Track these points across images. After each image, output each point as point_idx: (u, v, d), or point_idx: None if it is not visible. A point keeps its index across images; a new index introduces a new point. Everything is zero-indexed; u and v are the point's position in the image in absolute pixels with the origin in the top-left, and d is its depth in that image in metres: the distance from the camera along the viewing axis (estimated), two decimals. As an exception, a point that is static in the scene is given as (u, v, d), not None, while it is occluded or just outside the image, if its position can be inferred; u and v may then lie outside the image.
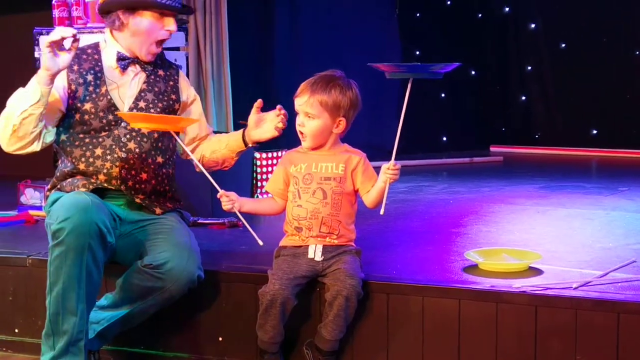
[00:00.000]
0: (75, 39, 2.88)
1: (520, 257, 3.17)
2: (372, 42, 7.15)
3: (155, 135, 3.15)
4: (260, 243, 2.89)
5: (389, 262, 3.27)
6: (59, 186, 3.12)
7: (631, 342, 2.66)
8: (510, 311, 2.80)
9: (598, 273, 2.99)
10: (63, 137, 3.11)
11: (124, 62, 3.13)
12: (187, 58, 5.62)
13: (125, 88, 3.14)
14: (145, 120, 2.94)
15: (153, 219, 3.13)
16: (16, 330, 3.39)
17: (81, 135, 3.09)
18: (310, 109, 2.92)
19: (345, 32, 7.02)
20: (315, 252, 2.92)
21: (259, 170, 4.69)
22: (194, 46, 5.81)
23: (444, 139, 7.71)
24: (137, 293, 2.97)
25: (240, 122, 3.34)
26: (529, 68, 7.70)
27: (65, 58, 2.89)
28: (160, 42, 3.14)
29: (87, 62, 3.11)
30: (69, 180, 3.10)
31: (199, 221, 4.03)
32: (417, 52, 7.54)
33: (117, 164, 3.08)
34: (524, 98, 7.76)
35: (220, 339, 3.16)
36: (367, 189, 2.97)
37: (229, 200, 2.94)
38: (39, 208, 4.31)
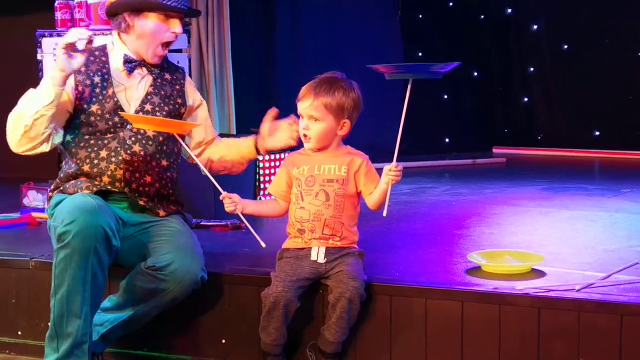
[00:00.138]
0: (90, 41, 2.88)
1: (523, 259, 3.17)
2: (374, 44, 7.15)
3: (160, 138, 3.15)
4: (263, 245, 2.89)
5: (392, 264, 3.27)
6: (61, 188, 3.12)
7: (634, 344, 2.66)
8: (513, 313, 2.80)
9: (601, 275, 2.99)
10: (68, 137, 3.12)
11: (131, 64, 3.13)
12: (189, 60, 5.62)
13: (132, 90, 3.15)
14: (148, 123, 2.94)
15: (156, 221, 3.13)
16: (19, 333, 3.39)
17: (86, 137, 3.10)
18: (315, 111, 2.92)
19: (347, 33, 7.02)
20: (318, 254, 2.92)
21: (261, 172, 4.69)
22: (196, 48, 5.81)
23: (447, 140, 7.70)
24: (141, 295, 2.97)
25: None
26: (531, 69, 7.69)
27: (79, 60, 2.90)
28: (166, 44, 3.15)
29: (95, 64, 3.12)
30: (72, 182, 3.10)
31: (202, 223, 4.03)
32: (420, 54, 7.53)
33: (122, 166, 3.08)
34: (526, 99, 7.75)
35: (224, 341, 3.16)
36: (370, 191, 2.96)
37: (231, 202, 2.94)
38: (42, 210, 4.30)
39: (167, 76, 3.22)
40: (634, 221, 4.14)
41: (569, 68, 7.44)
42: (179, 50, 4.75)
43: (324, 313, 2.95)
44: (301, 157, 3.03)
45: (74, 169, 3.11)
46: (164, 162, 3.18)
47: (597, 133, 7.40)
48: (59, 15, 4.79)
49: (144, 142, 3.13)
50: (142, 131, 3.11)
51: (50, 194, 3.18)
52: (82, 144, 3.10)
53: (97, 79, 3.09)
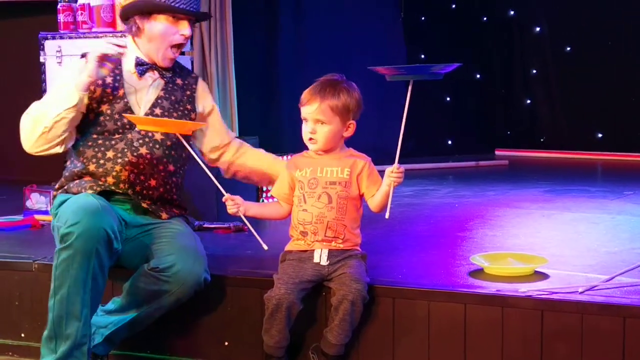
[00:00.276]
0: (120, 53, 2.98)
1: (525, 261, 3.17)
2: (377, 45, 7.15)
3: (169, 142, 3.15)
4: (266, 247, 2.89)
5: (395, 266, 3.27)
6: (66, 187, 3.13)
7: (637, 346, 2.66)
8: (516, 315, 2.80)
9: (604, 277, 2.98)
10: (77, 136, 3.13)
11: (142, 67, 3.15)
12: (192, 62, 5.63)
13: (142, 93, 3.16)
14: (151, 124, 2.95)
15: (158, 223, 3.14)
16: (22, 335, 3.39)
17: (94, 136, 3.11)
18: (322, 115, 2.92)
19: (350, 35, 7.02)
20: (320, 257, 2.92)
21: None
22: (198, 51, 5.82)
23: (449, 142, 7.70)
24: (144, 296, 2.98)
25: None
26: (534, 71, 7.69)
27: (108, 70, 2.99)
28: (176, 47, 3.17)
29: None
30: (77, 181, 3.11)
31: (205, 225, 4.03)
32: (422, 55, 7.53)
33: (127, 167, 3.09)
34: (529, 101, 7.74)
35: (226, 343, 3.16)
36: (372, 193, 2.97)
37: (234, 204, 2.95)
38: (45, 212, 4.31)
39: (179, 81, 3.24)
40: (636, 223, 4.14)
41: (571, 70, 7.43)
42: (182, 53, 4.74)
43: (327, 315, 2.95)
44: (304, 160, 3.03)
45: (80, 168, 3.12)
46: (171, 167, 3.18)
47: (600, 135, 7.39)
48: (61, 17, 4.80)
49: (151, 145, 3.13)
50: (150, 134, 3.12)
51: (54, 192, 3.19)
52: (89, 143, 3.11)
53: (109, 80, 3.11)
